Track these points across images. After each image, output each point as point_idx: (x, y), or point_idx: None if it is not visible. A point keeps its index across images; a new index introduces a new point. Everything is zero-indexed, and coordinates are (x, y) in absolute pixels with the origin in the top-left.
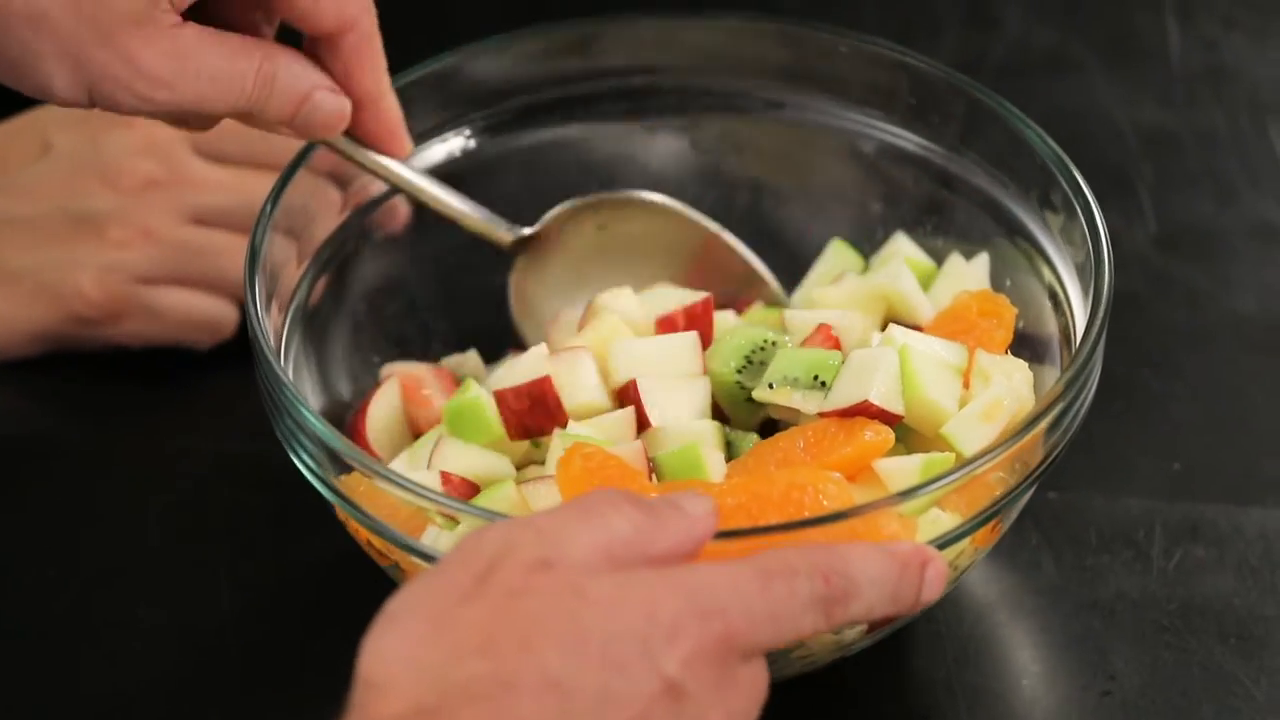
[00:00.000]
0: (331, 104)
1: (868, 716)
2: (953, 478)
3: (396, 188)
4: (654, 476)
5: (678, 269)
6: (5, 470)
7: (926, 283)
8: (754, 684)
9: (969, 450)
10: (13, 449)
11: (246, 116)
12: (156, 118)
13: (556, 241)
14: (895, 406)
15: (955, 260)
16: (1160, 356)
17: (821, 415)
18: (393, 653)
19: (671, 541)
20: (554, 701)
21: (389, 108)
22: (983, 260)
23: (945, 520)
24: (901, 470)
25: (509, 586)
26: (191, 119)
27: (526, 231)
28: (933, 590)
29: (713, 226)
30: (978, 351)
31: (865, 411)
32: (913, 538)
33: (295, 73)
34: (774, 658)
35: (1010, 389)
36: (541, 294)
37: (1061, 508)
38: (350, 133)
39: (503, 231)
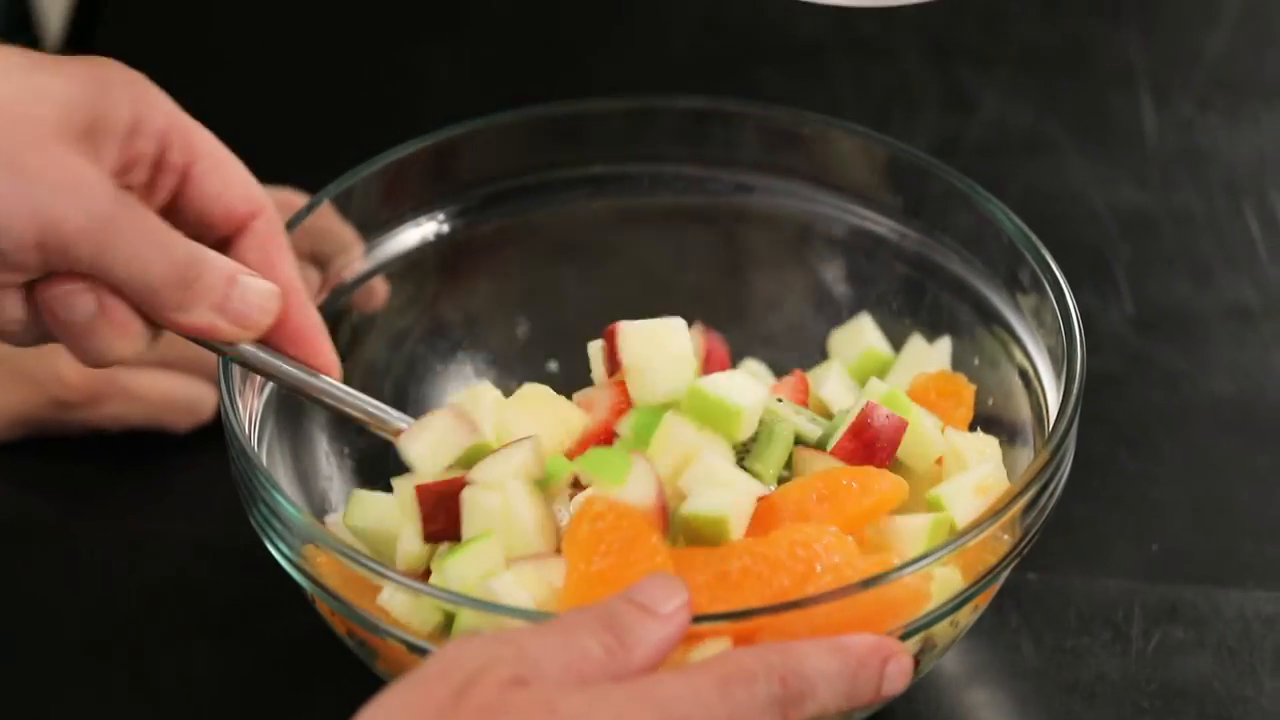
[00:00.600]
0: (259, 285)
1: None
2: (968, 538)
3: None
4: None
5: None
6: None
7: (883, 371)
8: None
9: (961, 518)
10: None
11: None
12: None
13: None
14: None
15: (916, 342)
16: (1138, 437)
17: (832, 453)
18: None
19: (643, 656)
20: None
21: (309, 307)
22: (944, 344)
23: (955, 580)
24: (910, 529)
25: (484, 704)
26: None
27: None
28: (895, 684)
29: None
30: (947, 429)
31: (869, 430)
32: (925, 601)
33: (216, 262)
34: None
35: (997, 466)
36: None
37: (1041, 589)
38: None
39: (395, 423)
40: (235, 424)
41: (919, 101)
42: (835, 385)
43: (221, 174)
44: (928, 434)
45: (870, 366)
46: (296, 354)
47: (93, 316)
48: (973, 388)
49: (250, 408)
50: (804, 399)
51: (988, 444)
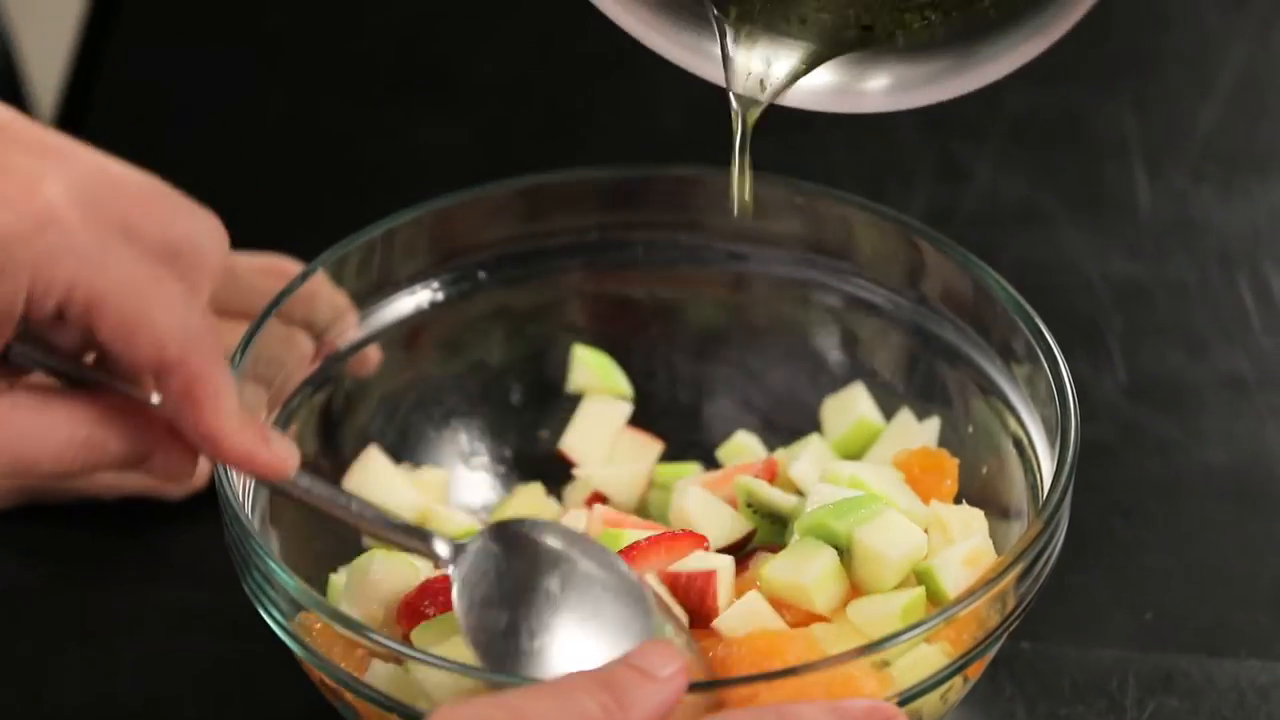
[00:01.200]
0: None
1: None
2: (944, 614)
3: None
4: None
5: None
6: None
7: (873, 442)
8: None
9: (952, 589)
10: None
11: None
12: None
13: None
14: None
15: (905, 417)
16: (1132, 506)
17: None
18: None
19: (640, 717)
20: None
21: (251, 438)
22: (933, 424)
23: (934, 657)
24: (880, 615)
25: None
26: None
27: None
28: None
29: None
30: (933, 501)
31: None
32: (887, 688)
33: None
34: None
35: (985, 539)
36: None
37: (1034, 658)
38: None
39: (440, 549)
40: (229, 490)
41: (913, 172)
42: (806, 465)
43: (124, 331)
44: (904, 518)
45: (861, 437)
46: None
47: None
48: (955, 462)
49: (244, 475)
50: (771, 479)
51: (974, 516)
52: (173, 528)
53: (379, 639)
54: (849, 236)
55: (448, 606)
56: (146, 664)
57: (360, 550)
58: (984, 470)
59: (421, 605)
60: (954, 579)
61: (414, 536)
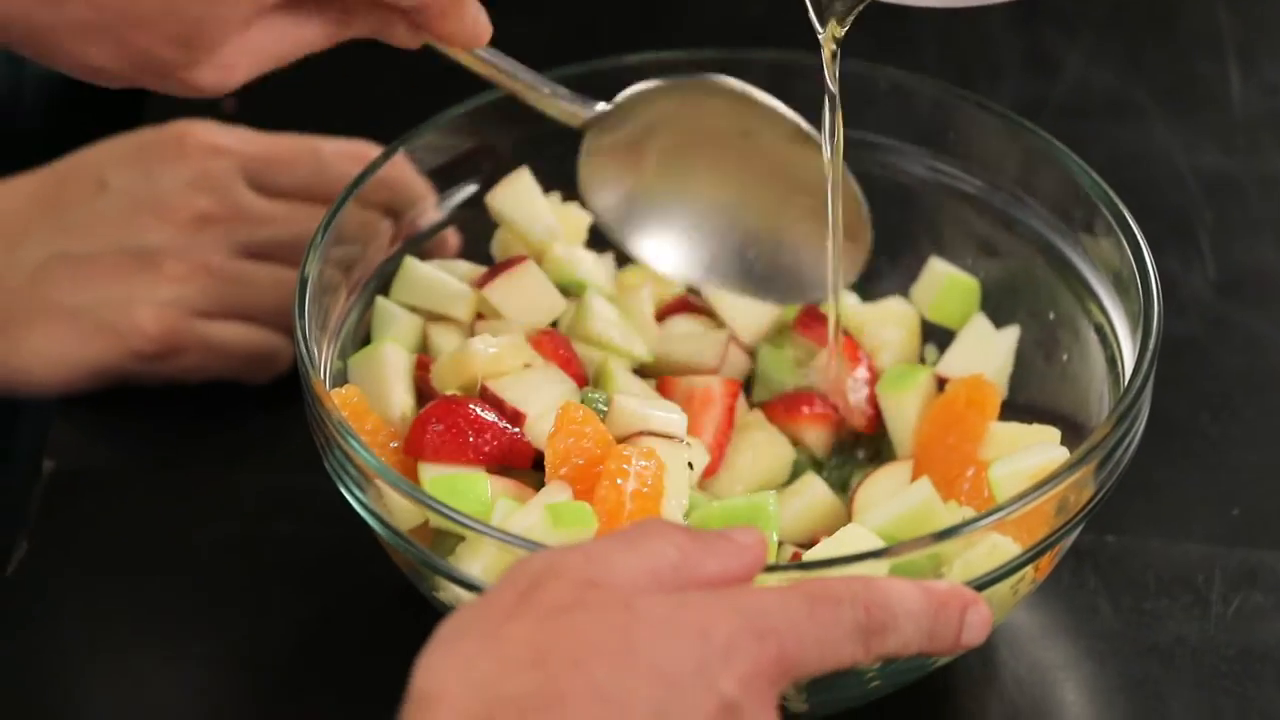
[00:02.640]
0: None
1: None
2: (1021, 502)
3: (463, 65)
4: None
5: (758, 184)
6: (63, 503)
7: (969, 298)
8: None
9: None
10: (70, 482)
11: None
12: None
13: (632, 124)
14: None
15: (980, 324)
16: (1219, 401)
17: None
18: (444, 669)
19: (719, 568)
20: (606, 713)
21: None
22: (1012, 333)
23: (1005, 547)
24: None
25: (556, 603)
26: None
27: (600, 109)
28: (974, 634)
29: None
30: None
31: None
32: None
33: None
34: None
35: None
36: (612, 175)
37: (1119, 552)
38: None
39: (576, 109)
40: (309, 367)
41: (1003, 64)
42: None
43: None
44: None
45: (956, 294)
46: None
47: None
48: (1000, 397)
49: (326, 354)
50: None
51: (1045, 433)
52: (254, 412)
53: (458, 516)
54: (934, 120)
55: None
56: (230, 546)
57: None
58: (1065, 358)
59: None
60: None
61: (577, 101)
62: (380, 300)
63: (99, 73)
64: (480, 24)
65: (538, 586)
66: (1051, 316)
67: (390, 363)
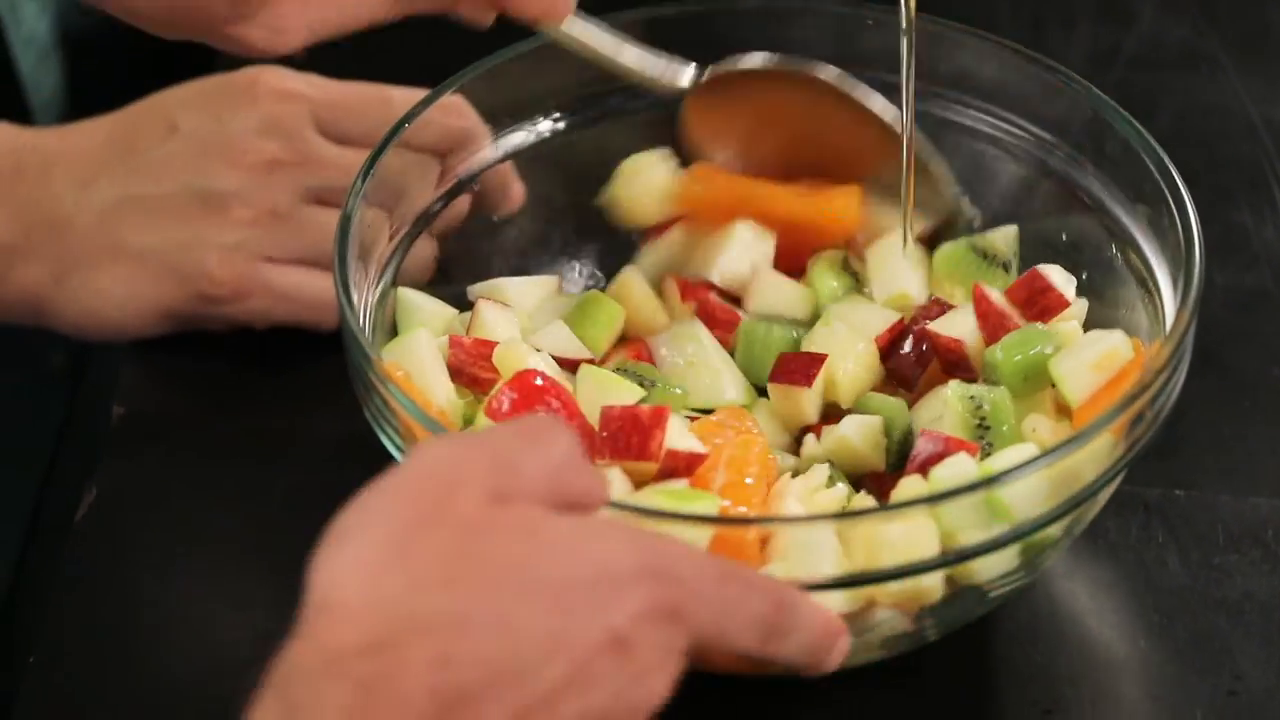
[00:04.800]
0: None
1: (994, 709)
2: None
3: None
4: None
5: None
6: (131, 446)
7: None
8: (678, 663)
9: (1075, 394)
10: (137, 426)
11: None
12: None
13: (734, 95)
14: None
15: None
16: None
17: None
18: (348, 577)
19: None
20: (503, 640)
21: None
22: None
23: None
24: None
25: (467, 521)
26: None
27: (703, 76)
28: (834, 662)
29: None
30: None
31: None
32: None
33: None
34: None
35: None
36: (710, 139)
37: (1189, 505)
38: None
39: (673, 78)
40: (351, 318)
41: (1075, 15)
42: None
43: None
44: None
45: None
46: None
47: None
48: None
49: (367, 296)
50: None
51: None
52: (322, 359)
53: None
54: (983, 75)
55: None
56: (297, 491)
57: None
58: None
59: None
60: (1080, 381)
61: (673, 68)
62: (402, 291)
63: (140, 15)
64: None
65: (449, 494)
66: (1088, 266)
67: (425, 351)
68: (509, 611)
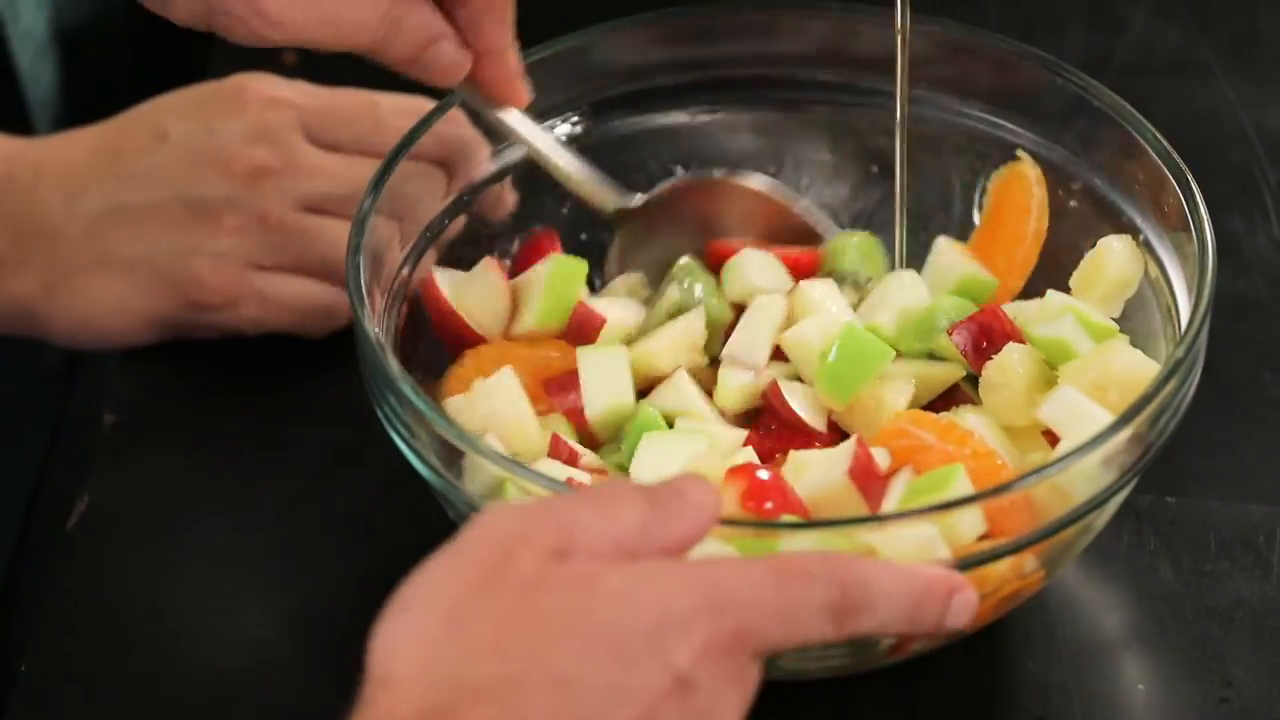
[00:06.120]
0: (451, 55)
1: (986, 716)
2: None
3: (508, 137)
4: None
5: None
6: (122, 455)
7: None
8: (752, 683)
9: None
10: (129, 434)
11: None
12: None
13: (666, 217)
14: None
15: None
16: None
17: None
18: (407, 648)
19: (680, 532)
20: (561, 699)
21: (510, 60)
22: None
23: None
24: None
25: (523, 581)
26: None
27: (635, 201)
28: (958, 618)
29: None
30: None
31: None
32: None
33: (420, 20)
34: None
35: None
36: (641, 266)
37: (1180, 512)
38: (470, 82)
39: (609, 198)
40: (363, 317)
41: (1067, 20)
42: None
43: None
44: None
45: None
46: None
47: None
48: None
49: (379, 304)
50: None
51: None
52: (313, 366)
53: (500, 458)
54: (989, 77)
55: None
56: (289, 500)
57: None
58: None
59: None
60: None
61: (604, 183)
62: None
63: None
64: (523, 85)
65: (507, 559)
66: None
67: (510, 391)
68: (565, 668)
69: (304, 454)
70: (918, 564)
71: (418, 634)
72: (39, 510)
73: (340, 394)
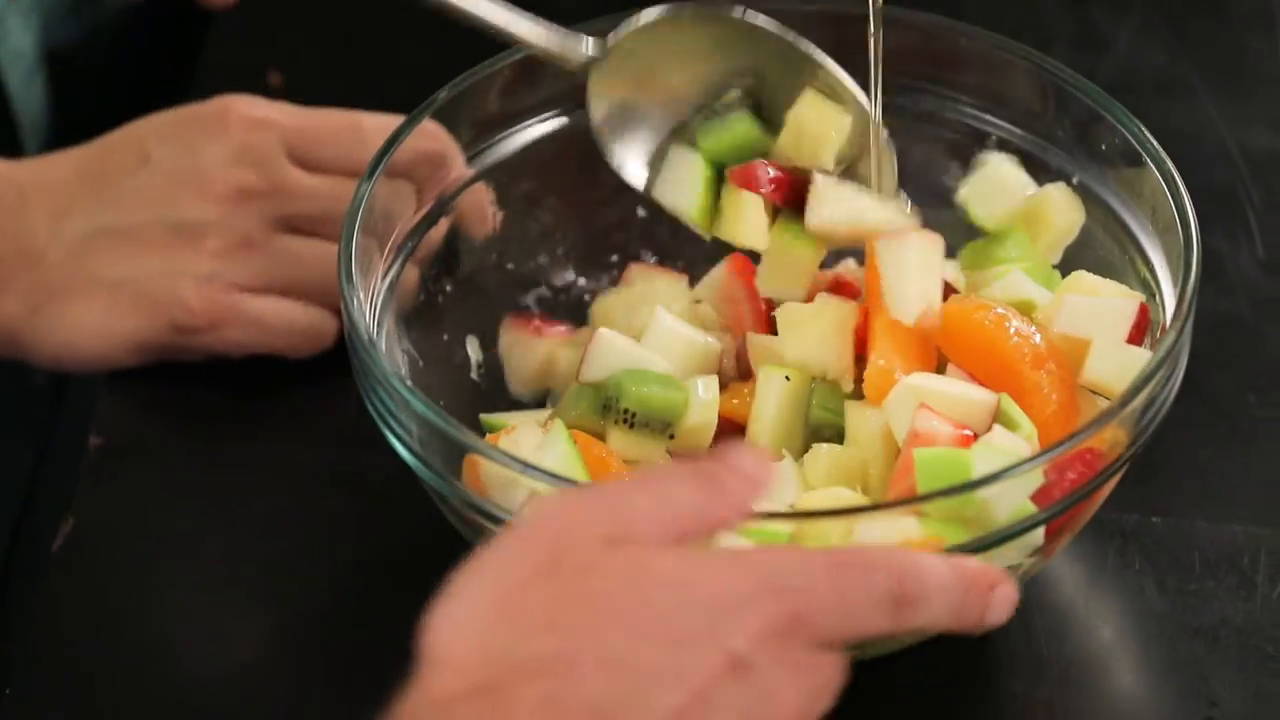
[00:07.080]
0: None
1: None
2: (1051, 452)
3: (462, 20)
4: None
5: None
6: (109, 479)
7: None
8: (830, 669)
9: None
10: (116, 459)
11: None
12: None
13: (637, 57)
14: None
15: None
16: (1266, 381)
17: None
18: (458, 632)
19: (732, 506)
20: (613, 677)
21: None
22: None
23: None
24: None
25: (577, 566)
26: None
27: (594, 50)
28: (998, 614)
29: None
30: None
31: None
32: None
33: None
34: None
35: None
36: (622, 113)
37: (1165, 532)
38: None
39: (577, 50)
40: (357, 311)
41: (1051, 39)
42: None
43: None
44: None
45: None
46: None
47: None
48: None
49: (372, 298)
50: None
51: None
52: (299, 387)
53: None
54: (971, 68)
55: None
56: (276, 521)
57: None
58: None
59: None
60: None
61: (568, 37)
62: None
63: None
64: None
65: (560, 546)
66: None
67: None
68: (618, 647)
69: (291, 474)
70: (962, 558)
71: (470, 617)
72: (25, 531)
73: (327, 414)
